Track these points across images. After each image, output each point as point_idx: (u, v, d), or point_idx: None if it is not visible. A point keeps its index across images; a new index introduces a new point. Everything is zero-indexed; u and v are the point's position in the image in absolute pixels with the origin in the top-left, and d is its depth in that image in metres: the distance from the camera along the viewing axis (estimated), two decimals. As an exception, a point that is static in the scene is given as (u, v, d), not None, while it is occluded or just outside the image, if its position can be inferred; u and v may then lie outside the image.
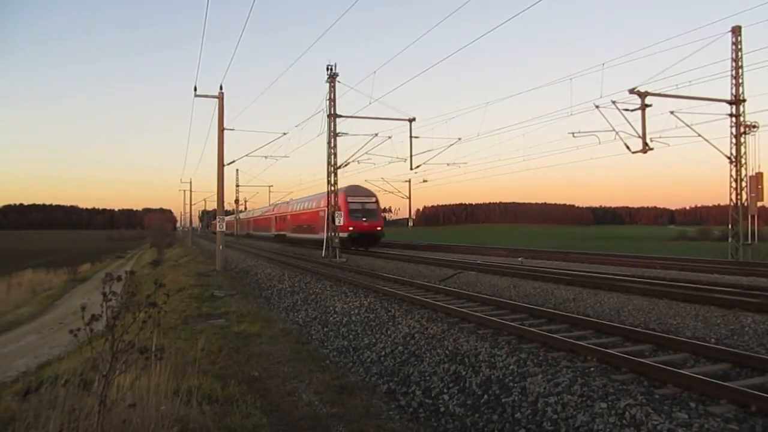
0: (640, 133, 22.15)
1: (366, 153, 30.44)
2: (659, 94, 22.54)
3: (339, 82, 28.85)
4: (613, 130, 22.71)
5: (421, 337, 9.19)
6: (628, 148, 22.37)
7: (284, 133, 33.94)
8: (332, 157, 29.44)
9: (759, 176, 24.34)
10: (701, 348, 7.91)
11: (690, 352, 7.79)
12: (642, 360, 7.23)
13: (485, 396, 6.49)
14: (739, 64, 24.04)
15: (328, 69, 28.90)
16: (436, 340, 8.83)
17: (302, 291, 16.24)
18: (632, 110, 21.99)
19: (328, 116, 29.02)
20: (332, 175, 29.56)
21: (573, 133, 24.06)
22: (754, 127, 23.86)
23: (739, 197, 24.26)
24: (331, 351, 9.60)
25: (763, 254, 23.53)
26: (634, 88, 21.89)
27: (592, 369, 7.03)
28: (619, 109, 21.79)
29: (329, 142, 29.22)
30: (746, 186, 24.36)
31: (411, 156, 29.74)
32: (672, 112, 22.93)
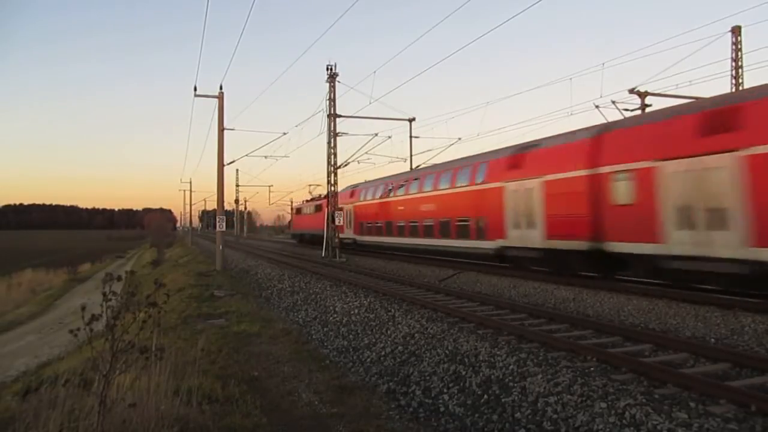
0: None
1: (366, 153, 30.52)
2: (659, 94, 22.55)
3: (339, 82, 28.95)
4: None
5: (421, 337, 9.19)
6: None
7: (284, 133, 34.14)
8: (332, 157, 29.47)
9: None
10: (701, 348, 7.92)
11: (690, 351, 7.79)
12: (642, 360, 7.24)
13: (485, 396, 6.49)
14: (739, 63, 24.05)
15: (328, 69, 28.95)
16: (436, 340, 8.83)
17: (302, 291, 16.24)
18: (632, 110, 22.00)
19: (328, 116, 29.06)
20: (332, 175, 29.58)
21: (573, 133, 24.04)
22: None
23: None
24: (331, 351, 9.60)
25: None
26: (634, 88, 21.90)
27: (591, 369, 7.04)
28: (619, 109, 21.78)
29: (329, 142, 29.25)
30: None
31: (411, 156, 29.81)
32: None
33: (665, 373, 6.55)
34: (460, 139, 28.81)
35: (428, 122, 79.69)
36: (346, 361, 8.92)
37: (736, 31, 24.11)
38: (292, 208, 32.07)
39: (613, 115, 21.80)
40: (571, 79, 22.00)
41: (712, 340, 9.01)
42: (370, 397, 6.97)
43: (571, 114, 30.82)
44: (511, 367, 7.07)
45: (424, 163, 29.70)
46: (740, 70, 24.15)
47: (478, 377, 6.99)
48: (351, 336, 10.32)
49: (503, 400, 6.29)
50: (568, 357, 7.69)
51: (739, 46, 24.16)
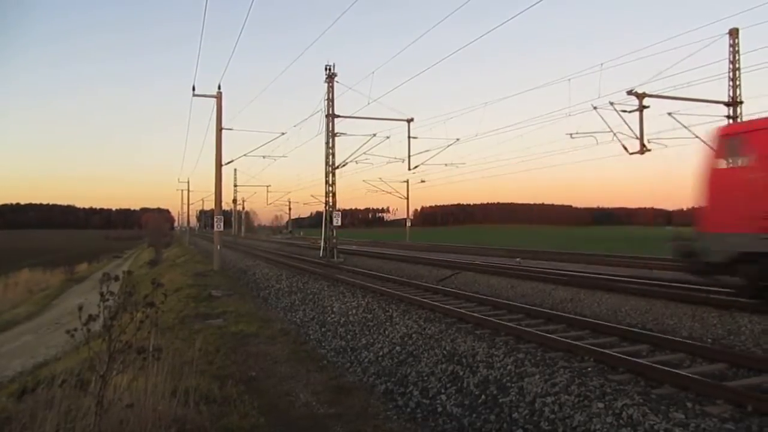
0: (638, 134, 22.24)
1: (364, 153, 30.48)
2: (657, 96, 22.57)
3: (337, 82, 28.93)
4: (611, 131, 22.78)
5: (418, 338, 9.20)
6: (625, 149, 22.45)
7: (282, 133, 34.07)
8: (330, 157, 29.46)
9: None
10: (698, 348, 7.94)
11: (687, 352, 7.81)
12: (639, 360, 7.25)
13: (483, 396, 6.49)
14: (737, 66, 24.11)
15: (326, 69, 28.94)
16: (433, 341, 8.84)
17: (300, 291, 16.23)
18: (630, 111, 22.02)
19: (327, 116, 29.05)
20: (330, 175, 29.57)
21: (571, 134, 24.09)
22: None
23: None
24: (328, 351, 9.59)
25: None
26: (632, 89, 21.93)
27: (589, 369, 7.05)
28: (617, 110, 21.82)
29: (327, 142, 29.24)
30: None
31: (409, 156, 29.80)
32: (670, 114, 22.97)
33: (662, 373, 6.56)
34: (458, 139, 28.80)
35: (427, 122, 79.95)
36: (344, 361, 8.92)
37: (733, 33, 24.16)
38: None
39: (612, 116, 21.82)
40: (569, 79, 22.05)
41: (709, 340, 9.03)
42: (367, 398, 6.98)
43: (570, 115, 30.78)
44: (508, 367, 7.08)
45: (423, 163, 29.74)
46: (738, 72, 24.22)
47: (476, 377, 7.00)
48: (349, 336, 10.31)
49: (501, 400, 6.29)
50: (565, 357, 7.70)
51: (736, 48, 24.22)
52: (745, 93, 24.43)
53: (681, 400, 5.78)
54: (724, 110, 24.29)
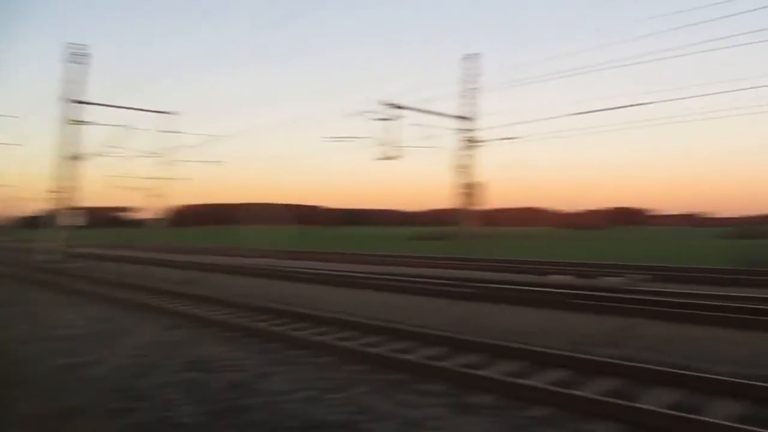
0: (389, 141, 24.59)
1: (115, 146, 27.91)
2: (407, 107, 25.32)
3: (86, 64, 26.00)
4: (365, 137, 24.75)
5: (158, 347, 8.58)
6: (376, 154, 24.53)
7: (11, 117, 29.58)
8: (73, 147, 26.19)
9: (479, 184, 29.02)
10: (427, 336, 8.88)
11: (418, 339, 8.67)
12: (373, 350, 7.85)
13: (225, 401, 6.30)
14: (472, 86, 28.28)
15: (68, 47, 25.76)
16: (175, 348, 8.33)
17: (17, 303, 13.83)
18: (382, 120, 24.19)
19: (69, 102, 25.81)
20: (68, 167, 26.14)
21: (327, 138, 25.47)
22: (478, 141, 28.43)
23: (463, 202, 28.56)
24: (50, 371, 8.31)
25: (481, 250, 27.55)
26: (385, 100, 24.15)
27: (330, 363, 7.37)
28: (371, 119, 23.78)
29: (68, 131, 25.97)
30: (470, 192, 28.77)
31: (166, 151, 28.18)
32: (415, 124, 25.95)
33: (395, 360, 7.20)
34: (219, 137, 28.15)
35: (187, 118, 75.57)
36: (70, 380, 7.81)
37: (470, 57, 28.28)
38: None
39: (366, 124, 23.61)
40: (329, 87, 23.21)
41: (441, 327, 10.09)
42: (95, 419, 6.21)
43: (327, 120, 32.43)
44: (253, 369, 7.02)
45: (181, 159, 28.15)
46: (473, 92, 28.40)
47: (219, 382, 6.77)
48: (78, 351, 9.08)
49: (243, 402, 6.18)
50: (309, 354, 7.93)
51: (472, 71, 28.33)
52: (478, 110, 28.76)
53: (408, 382, 6.40)
54: (460, 124, 28.29)
